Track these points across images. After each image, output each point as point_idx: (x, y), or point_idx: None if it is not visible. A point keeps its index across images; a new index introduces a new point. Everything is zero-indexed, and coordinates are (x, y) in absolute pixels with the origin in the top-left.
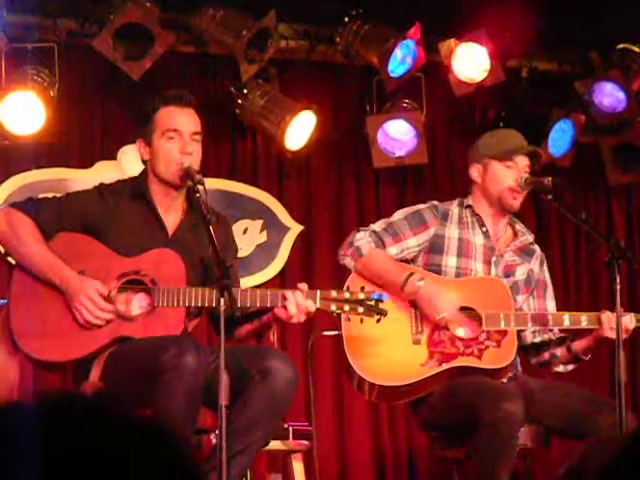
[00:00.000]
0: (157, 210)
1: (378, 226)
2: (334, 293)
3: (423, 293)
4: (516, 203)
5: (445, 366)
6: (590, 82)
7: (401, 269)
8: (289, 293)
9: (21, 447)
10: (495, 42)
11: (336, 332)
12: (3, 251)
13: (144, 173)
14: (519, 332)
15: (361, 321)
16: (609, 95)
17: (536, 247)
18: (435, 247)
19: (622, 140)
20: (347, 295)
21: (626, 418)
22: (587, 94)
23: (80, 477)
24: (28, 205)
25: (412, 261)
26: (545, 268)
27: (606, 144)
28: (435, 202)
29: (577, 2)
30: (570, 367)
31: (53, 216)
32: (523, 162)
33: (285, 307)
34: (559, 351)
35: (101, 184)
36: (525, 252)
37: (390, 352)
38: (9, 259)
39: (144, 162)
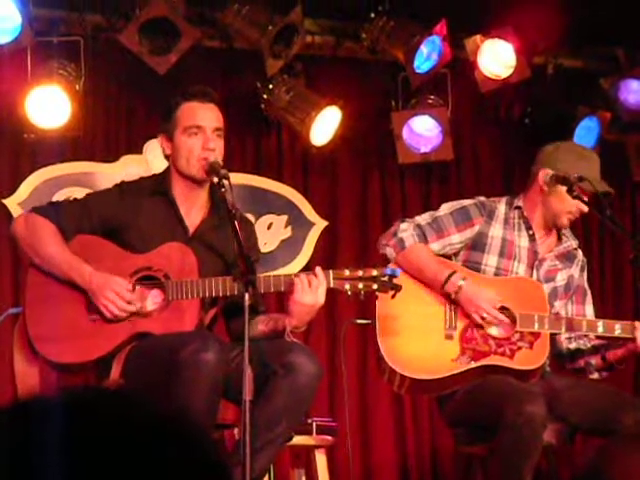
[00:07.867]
0: (178, 208)
1: (423, 219)
2: (347, 272)
3: (464, 293)
4: (568, 224)
5: (476, 363)
6: (616, 79)
7: (443, 267)
8: (296, 279)
9: (45, 442)
10: (521, 38)
11: (367, 321)
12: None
13: (167, 170)
14: (554, 337)
15: (391, 300)
16: (635, 92)
17: (579, 252)
18: (477, 245)
19: None
20: (360, 273)
21: None
22: (613, 91)
23: (106, 472)
24: (48, 209)
25: (454, 256)
26: (585, 274)
27: (631, 141)
28: (482, 198)
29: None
30: (605, 374)
31: (73, 219)
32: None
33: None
34: (594, 359)
35: (122, 182)
36: (567, 257)
37: (422, 345)
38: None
39: (167, 157)
